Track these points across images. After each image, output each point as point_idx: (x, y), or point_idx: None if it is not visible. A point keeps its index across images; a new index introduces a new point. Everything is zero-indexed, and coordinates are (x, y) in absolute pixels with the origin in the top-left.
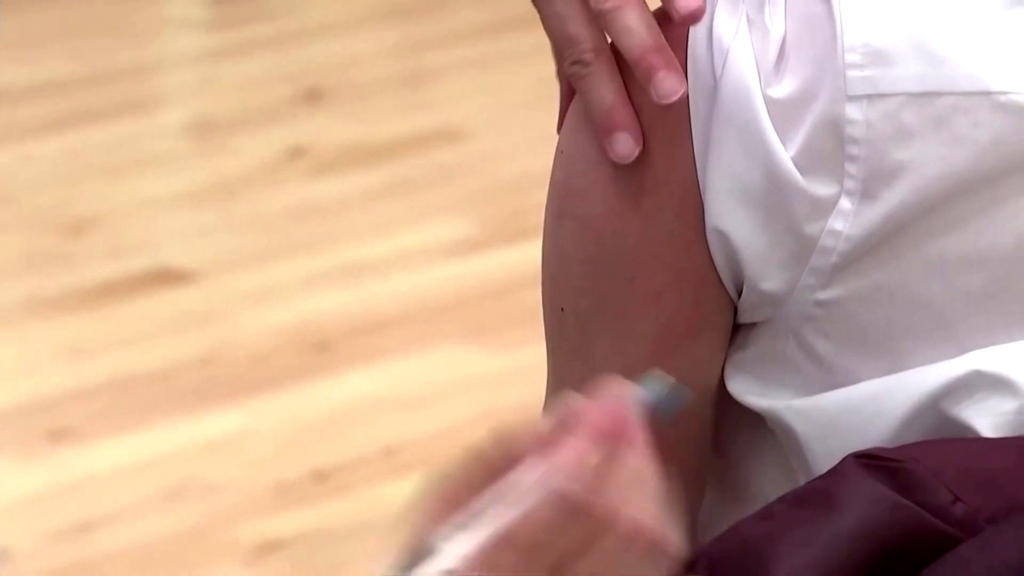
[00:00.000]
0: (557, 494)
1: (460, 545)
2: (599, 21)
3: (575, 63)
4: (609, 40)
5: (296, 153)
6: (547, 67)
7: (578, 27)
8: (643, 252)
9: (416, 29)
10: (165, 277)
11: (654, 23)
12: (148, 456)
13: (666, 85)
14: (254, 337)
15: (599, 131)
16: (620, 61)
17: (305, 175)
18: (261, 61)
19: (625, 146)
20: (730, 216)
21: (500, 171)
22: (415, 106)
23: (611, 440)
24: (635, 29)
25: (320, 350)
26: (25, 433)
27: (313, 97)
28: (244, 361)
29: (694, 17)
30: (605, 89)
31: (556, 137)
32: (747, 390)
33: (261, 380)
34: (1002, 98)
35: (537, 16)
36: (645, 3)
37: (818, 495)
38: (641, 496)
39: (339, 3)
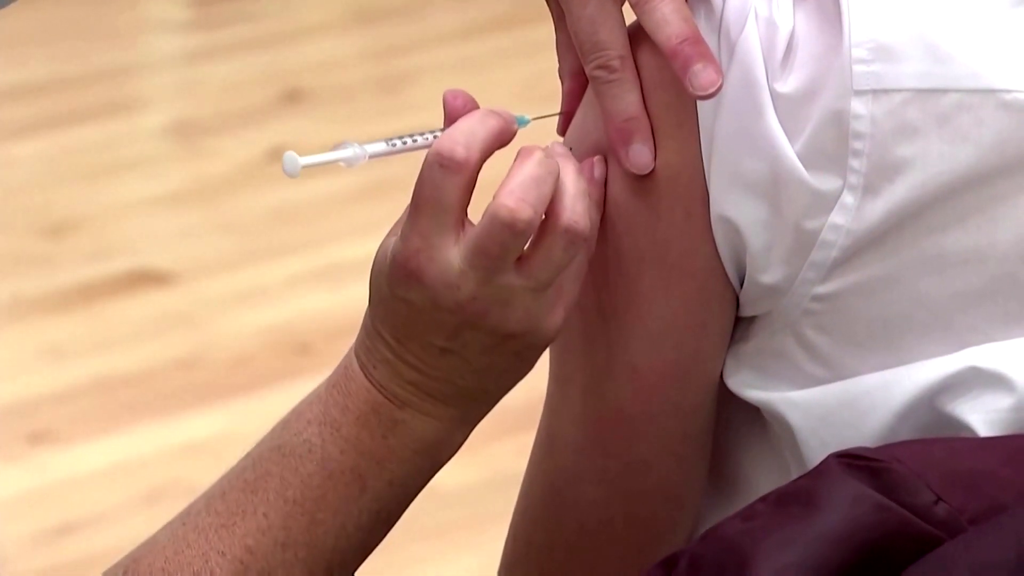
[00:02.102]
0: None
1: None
2: (636, 11)
3: (601, 67)
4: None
5: (277, 155)
6: (525, 69)
7: (608, 32)
8: (651, 250)
9: (394, 31)
10: (146, 279)
11: (690, 15)
12: (129, 458)
13: (703, 77)
14: (235, 339)
15: (616, 139)
16: None
17: (285, 177)
18: (241, 63)
19: (643, 157)
20: (735, 206)
21: (483, 172)
22: (394, 108)
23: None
24: (672, 20)
25: (301, 352)
26: (5, 435)
27: (293, 99)
28: (225, 363)
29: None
30: (629, 98)
31: (536, 137)
32: (745, 384)
33: (242, 382)
34: (1007, 96)
35: (515, 18)
36: None
37: (800, 495)
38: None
39: (318, 6)
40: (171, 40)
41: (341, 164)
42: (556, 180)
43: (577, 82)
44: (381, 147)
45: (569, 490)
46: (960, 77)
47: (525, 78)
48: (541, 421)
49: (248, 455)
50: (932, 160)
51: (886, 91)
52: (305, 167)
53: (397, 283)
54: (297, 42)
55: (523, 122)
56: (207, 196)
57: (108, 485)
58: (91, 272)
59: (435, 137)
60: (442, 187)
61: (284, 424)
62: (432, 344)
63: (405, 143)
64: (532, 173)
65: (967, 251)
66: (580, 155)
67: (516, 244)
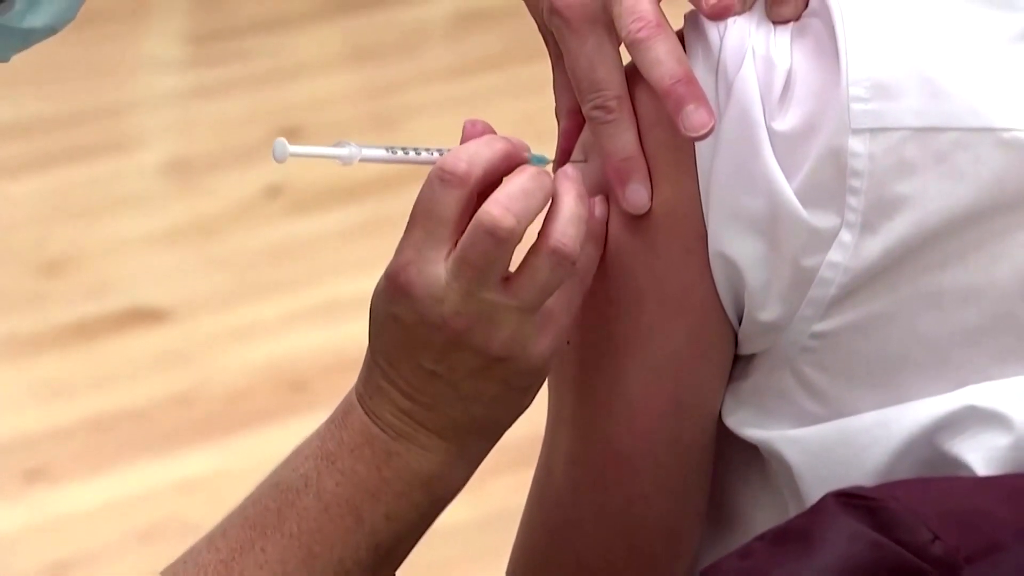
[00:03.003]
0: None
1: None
2: (630, 51)
3: (598, 107)
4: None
5: (272, 192)
6: (520, 107)
7: (606, 72)
8: (650, 287)
9: (389, 69)
10: (142, 316)
11: (684, 56)
12: (124, 496)
13: (695, 118)
14: (230, 376)
15: (614, 179)
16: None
17: (282, 214)
18: (237, 101)
19: (640, 197)
20: (732, 243)
21: None
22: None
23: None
24: (665, 60)
25: (297, 389)
26: (1, 473)
27: (289, 136)
28: (221, 400)
29: (725, 9)
30: (626, 138)
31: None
32: (743, 422)
33: (237, 419)
34: (1005, 135)
35: (509, 57)
36: (675, 36)
37: (797, 533)
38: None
39: (314, 43)
40: (167, 78)
41: (337, 162)
42: (547, 196)
43: (574, 121)
44: (380, 153)
45: (568, 525)
46: (958, 115)
47: (519, 116)
48: (540, 457)
49: (250, 494)
50: (930, 198)
51: (884, 129)
52: (293, 155)
53: (388, 298)
54: (293, 80)
55: (540, 161)
56: (203, 233)
57: (104, 522)
58: (87, 309)
59: (439, 154)
60: (439, 200)
61: (284, 462)
62: (421, 367)
63: (407, 154)
64: (521, 185)
65: (966, 288)
66: None
67: (499, 254)
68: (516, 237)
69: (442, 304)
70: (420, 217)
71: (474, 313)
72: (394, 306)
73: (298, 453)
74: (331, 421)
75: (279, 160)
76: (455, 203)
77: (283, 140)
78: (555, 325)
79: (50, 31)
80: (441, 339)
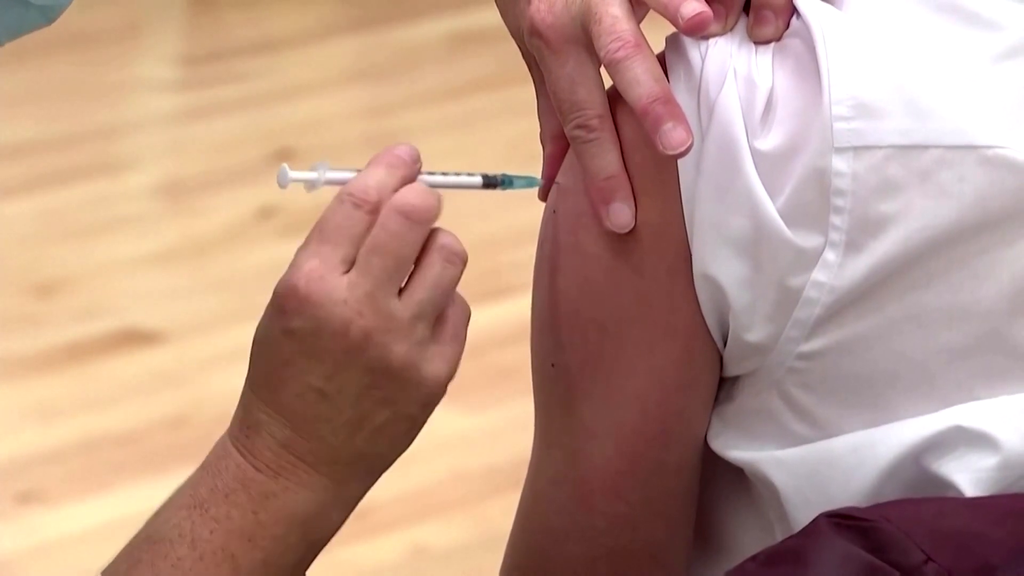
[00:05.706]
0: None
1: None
2: (608, 71)
3: (580, 127)
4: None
5: (266, 213)
6: (514, 128)
7: (587, 92)
8: (636, 309)
9: (385, 91)
10: (135, 338)
11: (662, 75)
12: (118, 518)
13: (673, 137)
14: (224, 398)
15: (597, 198)
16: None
17: (275, 235)
18: (231, 122)
19: (624, 216)
20: (717, 264)
21: (471, 231)
22: None
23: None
24: (643, 80)
25: None
26: None
27: (283, 157)
28: (213, 422)
29: (700, 23)
30: (608, 157)
31: (523, 197)
32: (729, 444)
33: None
34: (988, 152)
35: (502, 79)
36: (654, 55)
37: (790, 554)
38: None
39: (309, 64)
40: (160, 99)
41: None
42: (439, 203)
43: (559, 146)
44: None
45: (554, 549)
46: (941, 133)
47: (513, 137)
48: (526, 480)
49: (121, 551)
50: (914, 216)
51: (867, 148)
52: (294, 182)
53: (284, 311)
54: (287, 101)
55: (533, 182)
56: (196, 255)
57: (97, 544)
58: (80, 331)
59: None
60: (352, 221)
61: (155, 515)
62: (310, 386)
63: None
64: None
65: (951, 307)
66: (563, 216)
67: (412, 237)
68: (431, 219)
69: (345, 305)
70: (331, 234)
71: (374, 317)
72: (291, 319)
73: (170, 504)
74: (203, 468)
75: (281, 186)
76: (365, 227)
77: (285, 167)
78: (450, 350)
79: (44, 17)
80: (339, 348)
